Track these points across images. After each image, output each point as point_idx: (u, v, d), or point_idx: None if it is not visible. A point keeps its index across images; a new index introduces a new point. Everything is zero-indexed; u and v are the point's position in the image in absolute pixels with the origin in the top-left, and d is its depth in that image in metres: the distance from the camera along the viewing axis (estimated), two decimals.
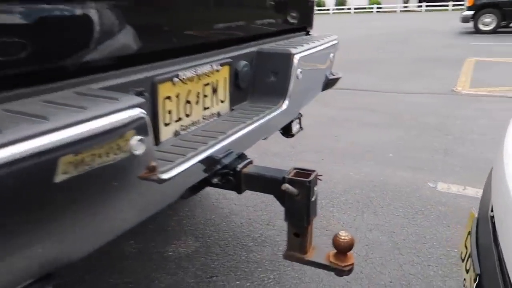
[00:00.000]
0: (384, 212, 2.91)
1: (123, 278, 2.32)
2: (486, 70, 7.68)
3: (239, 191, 1.66)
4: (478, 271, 1.03)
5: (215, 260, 2.46)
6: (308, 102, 2.40)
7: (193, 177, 1.45)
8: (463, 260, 1.32)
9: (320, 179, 1.63)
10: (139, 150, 0.97)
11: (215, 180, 1.58)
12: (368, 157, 3.90)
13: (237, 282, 2.26)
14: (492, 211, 1.14)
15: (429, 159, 3.79)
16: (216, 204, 3.14)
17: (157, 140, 1.42)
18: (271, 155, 4.02)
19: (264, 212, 2.96)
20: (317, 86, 2.43)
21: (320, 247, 1.72)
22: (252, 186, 1.64)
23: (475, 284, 1.01)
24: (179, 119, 1.55)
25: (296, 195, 1.49)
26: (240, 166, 1.59)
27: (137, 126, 0.96)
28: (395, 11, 33.76)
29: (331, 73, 2.57)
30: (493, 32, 13.54)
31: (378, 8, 35.25)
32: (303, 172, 1.53)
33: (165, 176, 1.21)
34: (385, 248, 2.50)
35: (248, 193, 3.43)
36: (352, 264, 1.57)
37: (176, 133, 1.56)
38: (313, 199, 1.53)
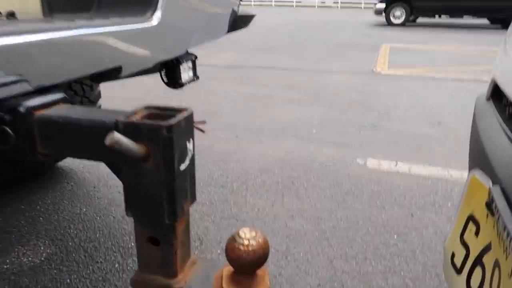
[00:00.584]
0: (309, 195, 2.35)
1: None
2: (400, 55, 7.69)
3: (32, 156, 0.91)
4: None
5: (73, 272, 1.68)
6: (206, 40, 1.70)
7: None
8: (459, 270, 0.74)
9: (201, 130, 0.96)
10: None
11: None
12: (289, 134, 3.35)
13: None
14: None
15: (356, 135, 3.35)
16: (92, 193, 2.33)
17: None
18: None
19: None
20: (221, 20, 1.75)
21: (208, 262, 1.01)
22: (57, 146, 0.92)
23: None
24: None
25: (144, 159, 0.78)
26: (27, 105, 0.85)
27: None
28: (313, 6, 34.72)
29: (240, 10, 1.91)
30: (403, 25, 14.18)
31: (297, 2, 36.04)
32: (164, 114, 0.83)
33: None
34: (310, 239, 1.93)
35: None
36: None
37: None
38: (182, 167, 0.83)
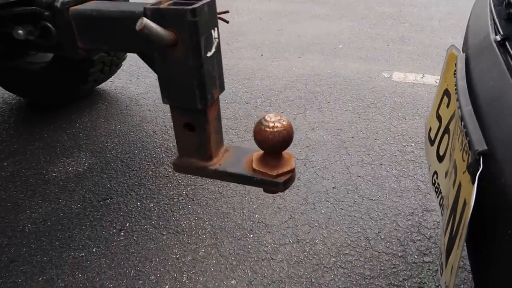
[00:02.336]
0: (331, 108, 2.39)
1: None
2: None
3: (73, 52, 0.99)
4: (482, 147, 0.50)
5: (112, 178, 1.88)
6: None
7: None
8: (432, 142, 0.80)
9: (225, 20, 0.99)
10: None
11: (19, 33, 0.92)
12: (315, 50, 3.29)
13: (138, 203, 1.71)
14: (499, 33, 0.59)
15: (384, 49, 3.25)
16: (125, 112, 2.49)
17: None
18: None
19: None
20: None
21: (236, 148, 1.14)
22: (94, 40, 0.97)
23: (475, 177, 0.48)
24: None
25: (172, 44, 0.82)
26: (64, 0, 0.91)
27: None
28: None
29: None
30: None
31: None
32: (186, 2, 0.86)
33: None
34: (329, 148, 2.02)
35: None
36: (291, 172, 0.98)
37: None
38: (209, 54, 0.87)
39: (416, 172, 1.81)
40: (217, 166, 1.05)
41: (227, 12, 1.04)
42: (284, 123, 0.90)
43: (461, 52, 0.68)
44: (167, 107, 2.48)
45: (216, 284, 1.35)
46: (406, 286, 1.31)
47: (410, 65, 2.91)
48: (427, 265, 1.38)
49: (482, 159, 0.49)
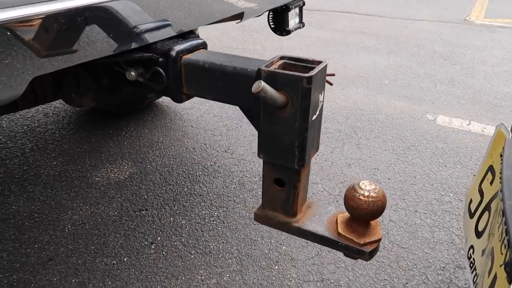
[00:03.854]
0: (370, 146, 2.38)
1: (29, 205, 1.82)
2: (502, 1, 6.82)
3: (177, 96, 1.05)
4: None
5: (150, 190, 1.96)
6: None
7: (55, 62, 0.84)
8: (472, 215, 0.79)
9: (330, 82, 1.01)
10: None
11: (132, 74, 0.99)
12: (360, 83, 3.30)
13: (171, 219, 1.78)
14: None
15: (431, 89, 3.20)
16: (169, 125, 2.59)
17: None
18: None
19: (225, 138, 2.42)
20: None
21: (321, 207, 1.11)
22: (200, 88, 1.02)
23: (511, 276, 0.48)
24: None
25: (282, 106, 0.85)
26: (177, 49, 0.98)
27: None
28: None
29: None
30: None
31: None
32: (299, 64, 0.89)
33: None
34: None
35: (209, 114, 2.86)
36: (378, 242, 0.95)
37: None
38: (314, 117, 0.90)
39: (452, 225, 1.77)
40: (301, 224, 1.04)
41: (333, 75, 1.06)
42: (379, 193, 0.89)
43: (510, 133, 0.68)
44: (210, 126, 2.56)
45: None
46: None
47: (457, 110, 2.85)
48: None
49: None
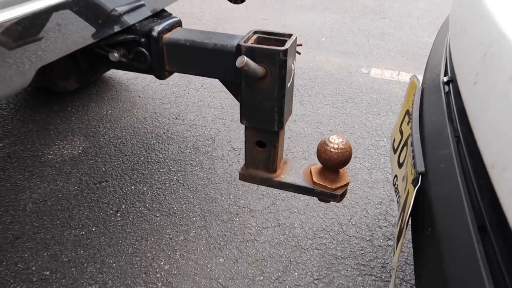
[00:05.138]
0: (312, 102, 2.56)
1: None
2: None
3: (161, 74, 1.10)
4: (421, 168, 0.68)
5: (107, 162, 2.01)
6: None
7: (55, 46, 0.88)
8: (395, 151, 0.97)
9: (298, 52, 1.12)
10: None
11: (115, 56, 1.03)
12: (299, 42, 3.43)
13: (132, 187, 1.85)
14: (448, 74, 0.76)
15: (364, 44, 3.42)
16: (116, 97, 2.58)
17: None
18: None
19: (174, 105, 2.48)
20: None
21: (296, 162, 1.27)
22: (182, 65, 1.09)
23: (414, 189, 0.66)
24: None
25: (262, 77, 0.96)
26: (157, 29, 1.02)
27: None
28: None
29: None
30: None
31: None
32: (272, 38, 1.00)
33: None
34: (309, 140, 2.19)
35: (155, 83, 2.89)
36: (346, 185, 1.13)
37: None
38: (289, 85, 1.02)
39: (387, 165, 2.01)
40: (281, 178, 1.19)
41: (300, 45, 1.17)
42: (346, 145, 1.04)
43: (420, 83, 0.85)
44: (157, 94, 2.59)
45: (206, 261, 1.52)
46: (372, 266, 1.52)
47: (387, 62, 3.09)
48: (391, 248, 1.59)
49: (421, 178, 0.67)
